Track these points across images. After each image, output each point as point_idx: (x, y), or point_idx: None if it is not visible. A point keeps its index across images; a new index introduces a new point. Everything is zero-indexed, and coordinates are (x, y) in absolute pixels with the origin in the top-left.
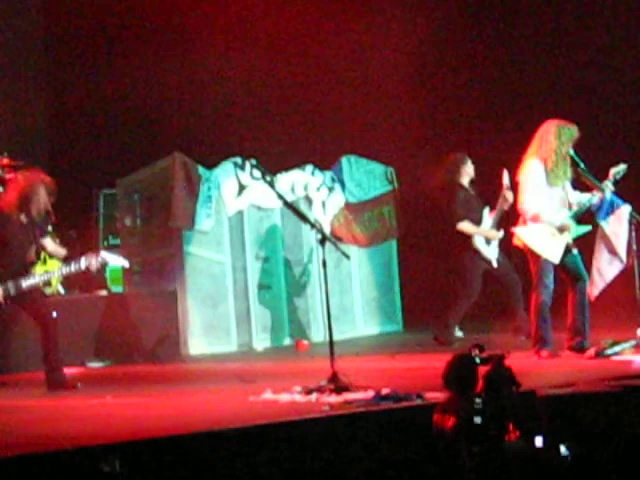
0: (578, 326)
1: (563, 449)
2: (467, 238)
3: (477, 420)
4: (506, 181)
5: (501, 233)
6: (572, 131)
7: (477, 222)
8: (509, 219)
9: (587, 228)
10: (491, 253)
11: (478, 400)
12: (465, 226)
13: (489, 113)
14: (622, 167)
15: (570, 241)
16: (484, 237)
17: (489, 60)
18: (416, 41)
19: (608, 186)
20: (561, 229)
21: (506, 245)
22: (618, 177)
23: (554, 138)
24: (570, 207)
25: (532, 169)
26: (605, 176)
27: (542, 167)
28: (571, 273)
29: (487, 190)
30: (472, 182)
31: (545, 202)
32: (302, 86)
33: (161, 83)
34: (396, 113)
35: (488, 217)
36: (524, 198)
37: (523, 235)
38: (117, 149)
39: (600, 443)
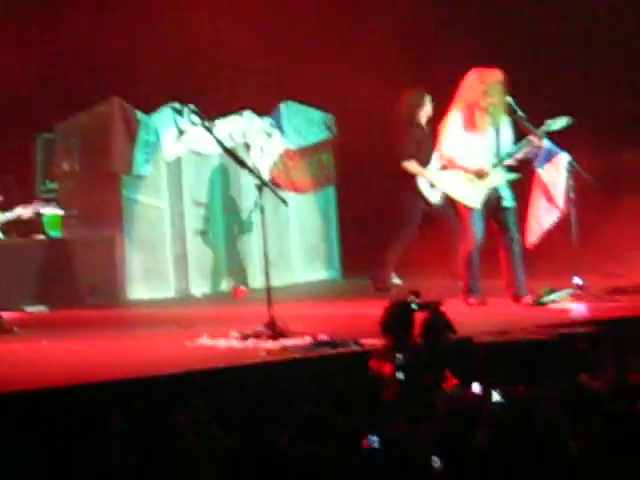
0: (510, 276)
1: (496, 395)
2: (410, 178)
3: (399, 376)
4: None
5: None
6: (494, 77)
7: (425, 163)
8: None
9: (514, 175)
10: (433, 195)
11: (399, 356)
12: (411, 165)
13: (437, 54)
14: (561, 120)
15: (498, 188)
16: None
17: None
18: None
19: (539, 134)
20: (478, 174)
21: None
22: (555, 128)
23: (475, 85)
24: (497, 154)
25: (449, 118)
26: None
27: (459, 115)
28: (499, 224)
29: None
30: (429, 121)
31: (460, 149)
32: (240, 31)
33: (100, 28)
34: (336, 59)
35: (438, 159)
36: (439, 146)
37: (438, 181)
38: (55, 93)
39: (536, 390)
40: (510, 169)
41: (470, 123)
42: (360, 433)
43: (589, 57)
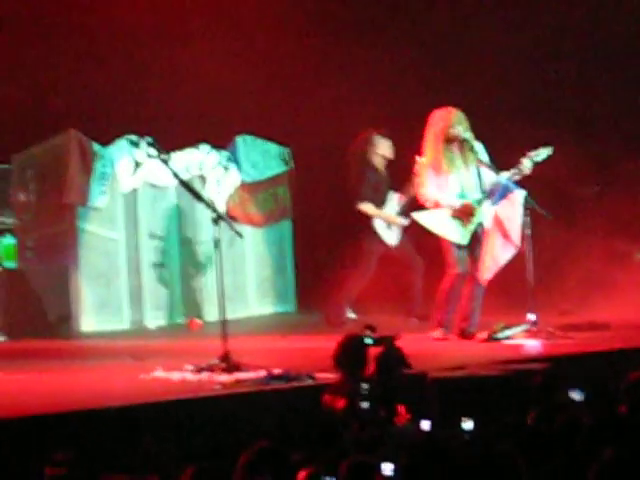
0: (468, 312)
1: (466, 425)
2: (366, 219)
3: (364, 405)
4: (417, 167)
5: (405, 220)
6: (454, 113)
7: (380, 204)
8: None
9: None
10: (390, 237)
11: (365, 385)
12: (366, 207)
13: (397, 91)
14: (545, 150)
15: (479, 225)
16: (385, 220)
17: (391, 34)
18: (306, 18)
19: (525, 164)
20: (465, 211)
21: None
22: (539, 159)
23: (432, 129)
24: (482, 190)
25: (425, 162)
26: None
27: (432, 159)
28: (473, 257)
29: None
30: (387, 164)
31: (443, 188)
32: (197, 64)
33: (56, 58)
34: (293, 92)
35: (397, 201)
36: (422, 189)
37: (423, 220)
38: (11, 124)
39: (491, 426)
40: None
41: (438, 167)
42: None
43: (541, 92)
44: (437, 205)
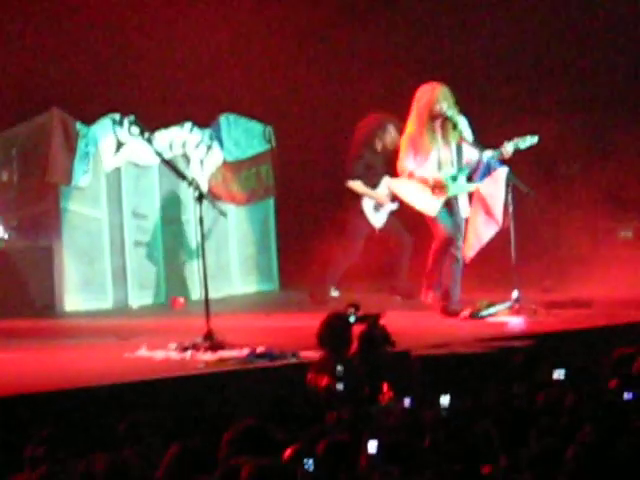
0: (447, 290)
1: (444, 400)
2: (355, 198)
3: (339, 387)
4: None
5: (395, 205)
6: (438, 92)
7: (372, 187)
8: None
9: (472, 186)
10: (376, 219)
11: (340, 368)
12: (355, 185)
13: (382, 70)
14: (529, 139)
15: (457, 197)
16: (374, 202)
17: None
18: None
19: (507, 148)
20: (437, 185)
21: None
22: (522, 146)
23: (417, 103)
24: (461, 165)
25: (406, 134)
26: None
27: (415, 132)
28: (450, 234)
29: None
30: (386, 151)
31: (420, 163)
32: (182, 41)
33: (40, 38)
34: (276, 70)
35: (388, 185)
36: (400, 160)
37: (395, 187)
38: None
39: (471, 404)
40: (469, 180)
41: (419, 143)
42: (295, 445)
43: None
44: (411, 176)
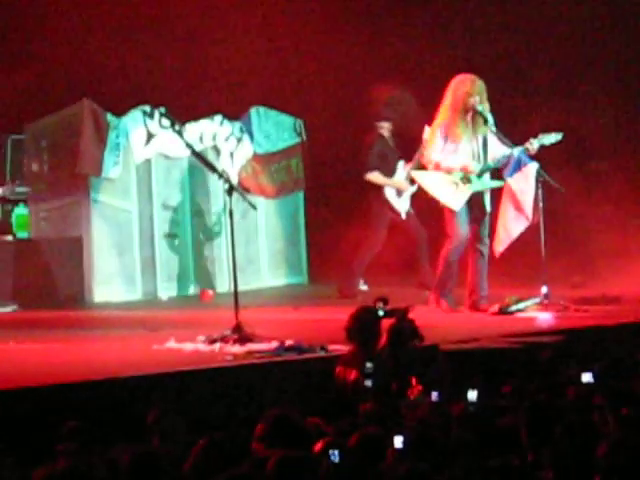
0: (474, 285)
1: (471, 395)
2: (378, 188)
3: (368, 383)
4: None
5: (414, 187)
6: (477, 82)
7: (389, 174)
8: None
9: (499, 183)
10: (401, 205)
11: (369, 365)
12: (374, 176)
13: (411, 64)
14: (554, 135)
15: (482, 193)
16: (395, 189)
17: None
18: None
19: (533, 144)
20: (464, 178)
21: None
22: (546, 142)
23: (452, 93)
24: (486, 161)
25: (433, 128)
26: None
27: (441, 126)
28: (475, 231)
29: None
30: (393, 134)
31: (448, 154)
32: (212, 36)
33: (72, 31)
34: (307, 63)
35: (403, 169)
36: (428, 149)
37: (420, 178)
38: (26, 94)
39: (501, 399)
40: (494, 177)
41: (451, 133)
42: (325, 438)
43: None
44: (437, 167)
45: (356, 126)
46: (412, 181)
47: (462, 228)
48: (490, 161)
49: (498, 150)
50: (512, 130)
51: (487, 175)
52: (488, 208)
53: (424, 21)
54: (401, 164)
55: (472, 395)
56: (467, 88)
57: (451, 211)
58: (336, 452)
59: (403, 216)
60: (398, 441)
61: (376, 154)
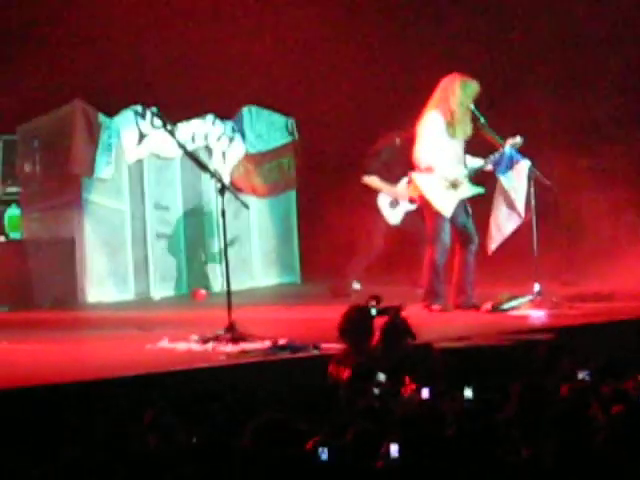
0: (463, 285)
1: (467, 392)
2: (373, 195)
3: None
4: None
5: (412, 205)
6: (474, 86)
7: (392, 181)
8: None
9: (480, 190)
10: (392, 216)
11: (382, 377)
12: (370, 180)
13: (404, 63)
14: (518, 140)
15: (465, 199)
16: (392, 198)
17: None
18: None
19: (516, 140)
20: (454, 184)
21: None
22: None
23: (456, 92)
24: (465, 165)
25: (431, 121)
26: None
27: (442, 120)
28: (463, 233)
29: None
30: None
31: (441, 155)
32: (203, 35)
33: (64, 30)
34: (299, 62)
35: (406, 183)
36: (419, 148)
37: (420, 181)
38: (17, 95)
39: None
40: (476, 181)
41: (452, 128)
42: (315, 437)
43: (547, 67)
44: (429, 170)
45: (349, 124)
46: (411, 200)
47: (445, 232)
48: (478, 165)
49: (472, 160)
50: (520, 121)
51: (468, 180)
52: (470, 208)
53: (420, 22)
54: (405, 179)
55: (468, 392)
56: (472, 89)
57: (436, 216)
58: (325, 450)
59: (393, 225)
60: (394, 449)
61: (380, 161)
